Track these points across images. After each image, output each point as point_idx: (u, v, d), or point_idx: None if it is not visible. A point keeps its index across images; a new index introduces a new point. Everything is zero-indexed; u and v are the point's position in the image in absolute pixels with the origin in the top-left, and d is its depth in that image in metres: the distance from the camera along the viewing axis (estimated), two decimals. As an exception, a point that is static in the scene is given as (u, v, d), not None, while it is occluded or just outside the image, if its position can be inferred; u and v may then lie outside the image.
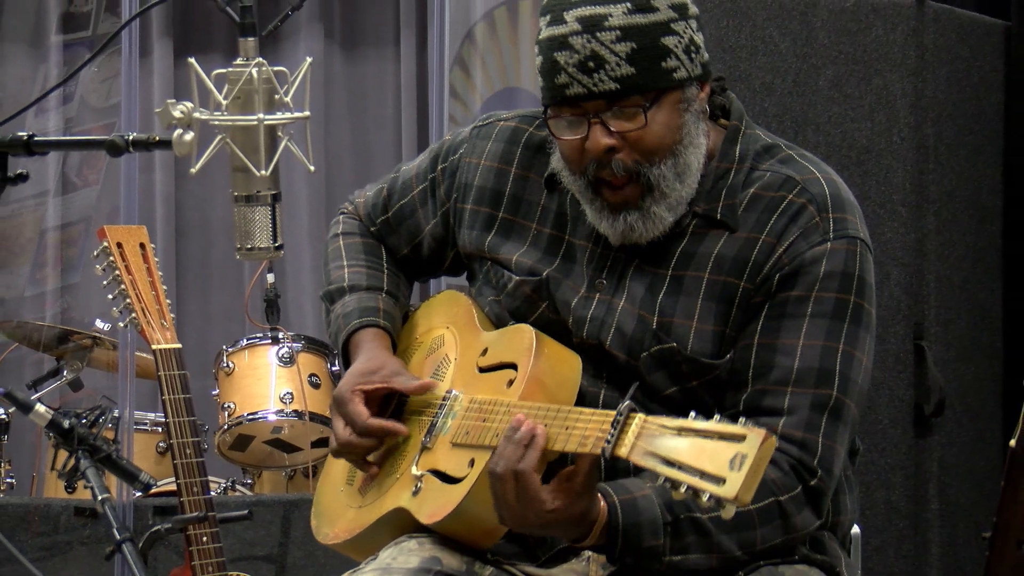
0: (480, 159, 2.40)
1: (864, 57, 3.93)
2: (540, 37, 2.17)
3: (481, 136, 2.42)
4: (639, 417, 1.91)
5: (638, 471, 2.06)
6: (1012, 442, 2.09)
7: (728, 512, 1.81)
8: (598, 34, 2.11)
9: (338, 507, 2.40)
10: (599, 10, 2.12)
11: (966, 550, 4.02)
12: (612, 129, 2.15)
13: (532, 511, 2.01)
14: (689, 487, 1.81)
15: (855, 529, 2.49)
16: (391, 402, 2.37)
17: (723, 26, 3.90)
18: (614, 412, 1.94)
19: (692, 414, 1.87)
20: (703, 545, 2.10)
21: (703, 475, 1.80)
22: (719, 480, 1.79)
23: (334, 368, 4.79)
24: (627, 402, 1.94)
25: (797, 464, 2.13)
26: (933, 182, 3.96)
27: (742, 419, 1.84)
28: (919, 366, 3.91)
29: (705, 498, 1.80)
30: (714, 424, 1.84)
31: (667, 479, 1.84)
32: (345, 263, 2.52)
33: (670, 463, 1.84)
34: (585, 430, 1.98)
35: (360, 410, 2.30)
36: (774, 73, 3.91)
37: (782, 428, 2.13)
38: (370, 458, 2.34)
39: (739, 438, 1.80)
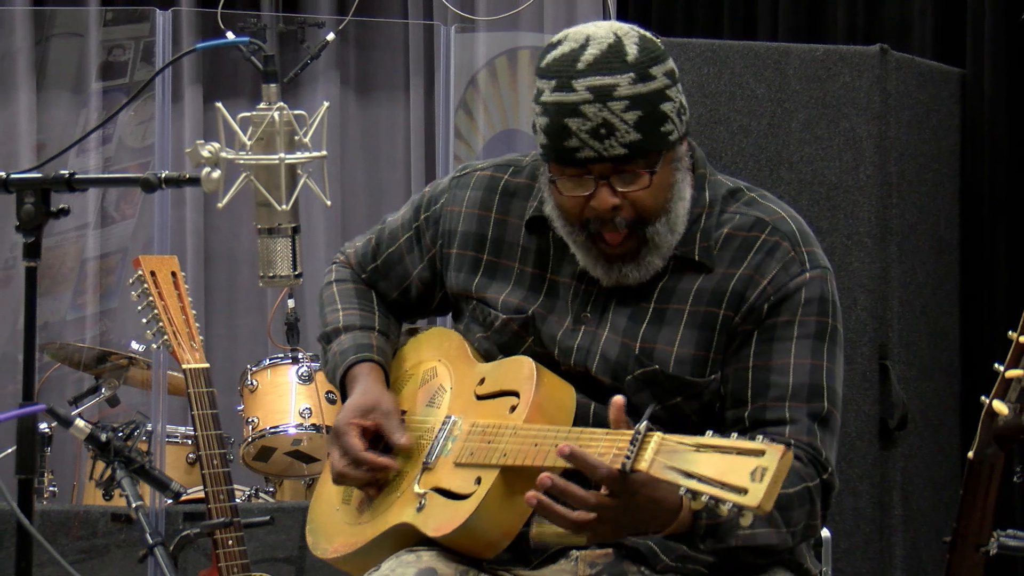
0: (461, 207, 2.38)
1: (833, 102, 3.93)
2: (546, 100, 2.14)
3: (460, 186, 2.41)
4: (657, 435, 1.89)
5: None
6: (970, 454, 2.08)
7: (747, 519, 1.77)
8: (609, 103, 2.09)
9: (336, 524, 2.36)
10: (608, 80, 2.10)
11: (928, 553, 4.01)
12: (617, 189, 2.14)
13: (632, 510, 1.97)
14: (711, 497, 1.78)
15: (825, 533, 2.49)
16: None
17: (704, 73, 3.90)
18: (628, 431, 1.92)
19: (709, 432, 1.85)
20: (765, 519, 2.05)
21: (724, 486, 1.77)
22: (741, 491, 1.76)
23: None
24: (645, 422, 1.91)
25: (814, 458, 2.15)
26: (896, 216, 3.96)
27: (759, 436, 1.82)
28: (884, 384, 3.91)
29: (726, 507, 1.77)
30: (732, 440, 1.82)
31: (688, 490, 1.81)
32: (340, 306, 2.49)
33: (690, 475, 1.81)
34: (600, 447, 1.95)
35: (355, 442, 2.27)
36: (750, 116, 3.92)
37: (789, 434, 2.14)
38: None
39: (758, 453, 1.78)
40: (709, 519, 2.03)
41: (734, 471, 1.78)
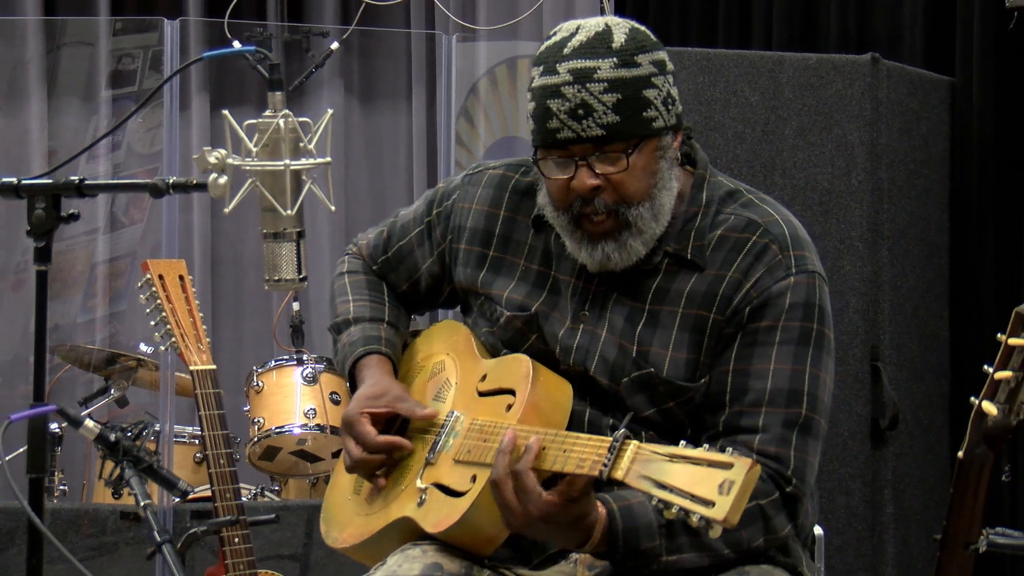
0: (472, 204, 2.38)
1: (825, 109, 3.94)
2: (533, 85, 2.16)
3: (472, 183, 2.41)
4: (634, 444, 1.88)
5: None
6: (960, 453, 2.07)
7: (715, 532, 1.77)
8: (588, 85, 2.10)
9: (346, 514, 2.37)
10: (589, 63, 2.11)
11: (918, 550, 4.01)
12: (597, 171, 2.13)
13: (533, 504, 1.97)
14: (681, 509, 1.78)
15: (818, 531, 2.48)
16: (395, 422, 2.34)
17: (699, 81, 3.91)
18: (608, 439, 1.90)
19: (682, 443, 1.84)
20: (695, 544, 2.06)
21: (694, 498, 1.77)
22: (709, 503, 1.76)
23: (352, 387, 4.77)
24: (623, 430, 1.90)
25: (774, 473, 2.11)
26: (887, 220, 3.96)
27: (728, 449, 1.81)
28: (875, 385, 3.91)
29: (695, 519, 1.76)
30: (703, 452, 1.81)
31: (660, 500, 1.80)
32: (350, 297, 2.49)
33: (663, 486, 1.80)
34: (582, 453, 1.94)
35: (368, 430, 2.27)
36: (745, 123, 3.92)
37: (758, 444, 2.11)
38: (378, 472, 2.32)
39: (727, 466, 1.77)
40: (625, 544, 2.03)
41: (703, 483, 1.77)
